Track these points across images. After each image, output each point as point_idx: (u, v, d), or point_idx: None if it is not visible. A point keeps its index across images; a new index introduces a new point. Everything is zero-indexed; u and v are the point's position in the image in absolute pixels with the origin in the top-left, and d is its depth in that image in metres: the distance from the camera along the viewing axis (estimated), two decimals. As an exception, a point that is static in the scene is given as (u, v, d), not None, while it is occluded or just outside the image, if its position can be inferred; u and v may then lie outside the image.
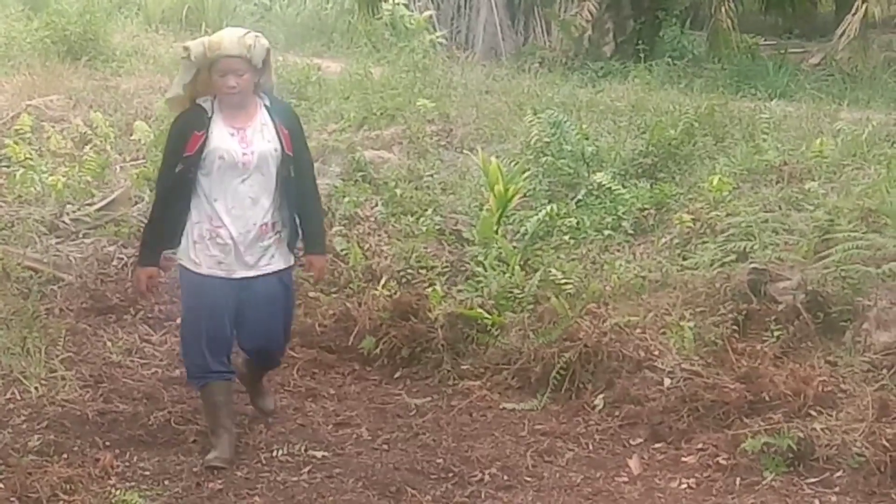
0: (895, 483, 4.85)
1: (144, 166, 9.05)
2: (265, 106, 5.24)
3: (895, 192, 7.29)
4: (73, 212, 8.16)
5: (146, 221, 5.52)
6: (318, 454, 5.33)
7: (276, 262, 5.28)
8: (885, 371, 5.63)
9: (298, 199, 5.31)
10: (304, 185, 5.35)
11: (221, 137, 5.10)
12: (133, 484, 4.94)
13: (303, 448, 5.37)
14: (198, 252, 5.20)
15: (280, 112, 5.29)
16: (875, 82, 13.98)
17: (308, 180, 5.42)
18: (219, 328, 5.25)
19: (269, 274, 5.26)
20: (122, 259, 7.52)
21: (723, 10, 15.69)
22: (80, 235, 7.84)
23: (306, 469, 5.21)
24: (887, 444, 4.94)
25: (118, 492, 4.78)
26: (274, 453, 5.33)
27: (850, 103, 12.17)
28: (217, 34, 5.21)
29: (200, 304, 5.26)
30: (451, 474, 5.18)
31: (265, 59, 5.17)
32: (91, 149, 9.55)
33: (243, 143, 5.11)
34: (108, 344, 6.40)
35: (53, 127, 9.93)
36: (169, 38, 16.07)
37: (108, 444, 5.32)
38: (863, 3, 14.63)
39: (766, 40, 17.54)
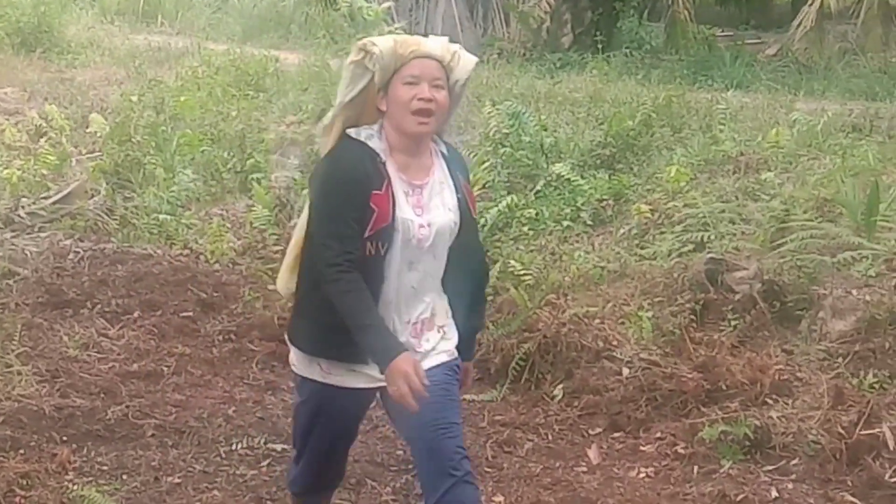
0: (850, 470, 4.90)
1: (101, 159, 8.99)
2: (442, 154, 3.74)
3: (850, 181, 7.36)
4: (29, 205, 8.09)
5: (356, 325, 3.56)
6: (278, 447, 5.31)
7: (439, 353, 3.79)
8: (840, 359, 5.69)
9: (465, 281, 3.84)
10: (475, 260, 3.91)
11: (399, 198, 3.59)
12: (90, 479, 4.89)
13: (262, 441, 5.35)
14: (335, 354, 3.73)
15: (459, 163, 3.80)
16: (830, 73, 14.12)
17: (480, 254, 4.02)
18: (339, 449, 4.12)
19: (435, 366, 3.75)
20: (79, 253, 7.47)
21: (680, 1, 15.79)
22: (36, 229, 7.78)
23: (265, 462, 5.19)
24: (842, 432, 5.00)
25: (75, 487, 4.74)
26: (233, 447, 5.30)
27: (805, 94, 12.29)
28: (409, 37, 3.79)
29: (323, 420, 3.93)
30: (410, 466, 5.15)
31: (466, 81, 3.73)
32: (46, 142, 9.47)
33: (418, 208, 3.62)
34: (65, 338, 6.34)
35: (8, 120, 9.85)
36: (125, 29, 15.97)
37: (65, 438, 5.26)
38: (817, -6, 14.75)
39: (722, 31, 17.69)
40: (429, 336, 3.75)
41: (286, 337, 3.94)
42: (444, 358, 3.78)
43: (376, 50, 3.55)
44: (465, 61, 3.68)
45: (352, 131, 3.65)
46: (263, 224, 7.86)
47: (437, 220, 3.64)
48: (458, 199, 3.68)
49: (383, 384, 3.55)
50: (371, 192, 3.51)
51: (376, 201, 3.52)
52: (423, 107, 3.54)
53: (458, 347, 3.82)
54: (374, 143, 3.60)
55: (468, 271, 3.83)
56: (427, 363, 3.68)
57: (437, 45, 3.66)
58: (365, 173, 3.53)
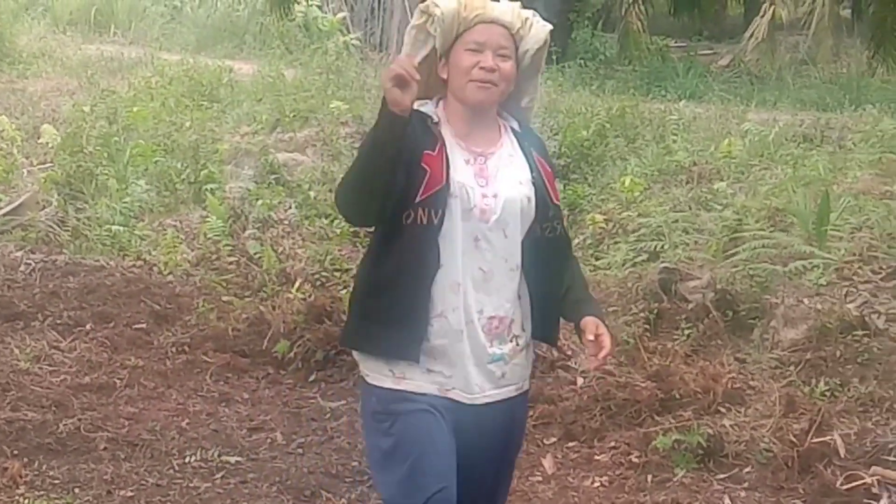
0: (802, 477, 4.94)
1: (53, 170, 8.91)
2: (512, 130, 3.31)
3: (801, 191, 7.44)
4: (-21, 217, 8.00)
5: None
6: (232, 459, 5.28)
7: (509, 379, 3.25)
8: (792, 367, 5.74)
9: (554, 282, 3.27)
10: (563, 258, 3.32)
11: (456, 163, 3.16)
12: (42, 492, 4.84)
13: (216, 453, 5.31)
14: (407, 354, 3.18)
15: (534, 141, 3.34)
16: (782, 84, 14.28)
17: (569, 250, 3.42)
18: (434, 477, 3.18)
19: (499, 401, 3.24)
20: (30, 265, 7.40)
21: (633, 12, 15.92)
22: (-14, 241, 7.69)
23: (220, 475, 5.15)
24: (794, 440, 5.04)
25: (27, 501, 4.69)
26: (187, 459, 5.26)
27: (757, 104, 12.41)
28: None
29: (408, 440, 3.19)
30: (366, 477, 5.14)
31: (539, 51, 3.26)
32: (-3, 152, 9.37)
33: (482, 178, 3.17)
34: (16, 351, 6.28)
35: (-42, 130, 9.73)
36: (77, 39, 15.85)
37: (16, 452, 5.20)
38: (770, 5, 14.92)
39: (675, 42, 17.83)
40: (501, 343, 3.19)
41: (344, 345, 3.52)
42: (510, 392, 3.23)
43: (438, 11, 3.17)
44: (538, 29, 3.25)
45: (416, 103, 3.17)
46: (218, 235, 7.82)
47: (506, 191, 3.16)
48: (533, 176, 3.21)
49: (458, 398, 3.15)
50: (422, 153, 3.10)
51: (428, 161, 3.10)
52: (485, 77, 3.14)
53: (572, 303, 3.27)
54: (427, 109, 3.22)
55: (556, 267, 3.26)
56: (489, 392, 3.18)
57: (506, 9, 3.24)
58: (415, 134, 3.10)
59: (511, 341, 3.22)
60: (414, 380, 3.17)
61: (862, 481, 4.74)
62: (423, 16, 3.20)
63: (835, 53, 16.27)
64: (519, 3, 3.28)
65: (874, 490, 4.72)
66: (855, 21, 15.61)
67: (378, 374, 3.21)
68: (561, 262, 3.29)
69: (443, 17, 3.15)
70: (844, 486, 4.76)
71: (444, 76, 3.23)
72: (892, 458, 4.91)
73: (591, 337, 3.14)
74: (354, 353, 3.34)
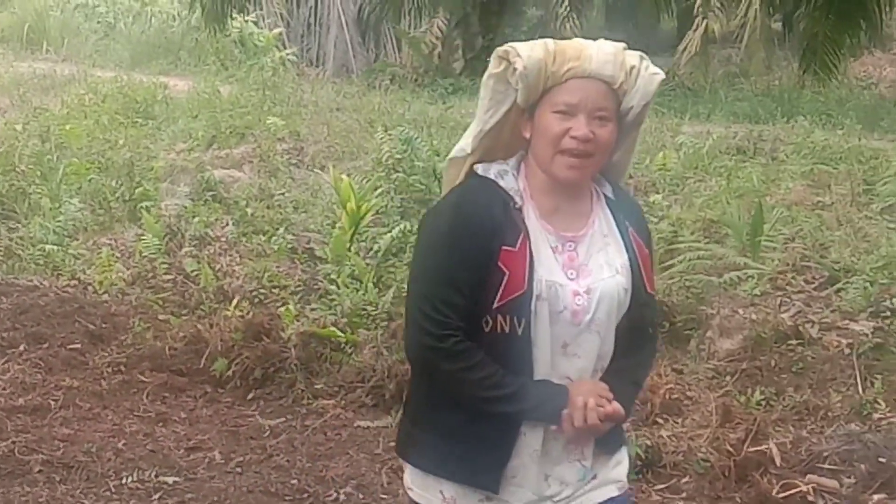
0: (739, 487, 4.98)
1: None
2: (605, 196, 2.72)
3: (735, 203, 7.54)
4: None
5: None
6: (170, 480, 5.22)
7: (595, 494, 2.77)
8: (728, 377, 5.80)
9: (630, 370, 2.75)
10: (645, 348, 2.81)
11: (542, 255, 2.59)
12: (-25, 518, 4.77)
13: (153, 474, 5.25)
14: (450, 473, 2.71)
15: (630, 213, 2.75)
16: (715, 96, 14.45)
17: (653, 343, 2.90)
18: None
19: None
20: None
21: (567, 26, 16.04)
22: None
23: (157, 495, 5.09)
24: (731, 449, 5.08)
25: (-41, 527, 4.62)
26: (123, 480, 5.19)
27: (691, 117, 12.56)
28: (572, 41, 2.71)
29: None
30: (305, 495, 5.13)
31: (646, 107, 2.66)
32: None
33: (572, 269, 2.61)
34: (-52, 374, 6.18)
35: None
36: (9, 56, 15.65)
37: (-52, 477, 5.13)
38: (703, 19, 15.12)
39: (610, 56, 17.95)
40: (593, 450, 2.72)
41: (397, 452, 2.96)
42: (612, 491, 2.79)
43: (519, 65, 2.56)
44: (645, 81, 2.62)
45: (480, 167, 2.66)
46: (153, 253, 7.75)
47: (600, 285, 2.60)
48: (629, 259, 2.65)
49: None
50: (500, 249, 2.54)
51: (507, 261, 2.53)
52: (577, 147, 2.55)
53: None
54: (508, 182, 2.62)
55: (632, 353, 2.73)
56: (590, 495, 2.75)
57: (607, 58, 2.60)
58: (493, 224, 2.56)
59: (602, 447, 2.74)
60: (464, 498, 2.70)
61: (798, 489, 4.79)
62: (502, 62, 2.62)
63: (767, 66, 16.53)
64: (624, 46, 2.67)
65: (810, 498, 4.77)
66: (786, 34, 15.86)
67: (423, 491, 2.76)
68: (638, 345, 2.74)
69: (527, 71, 2.56)
70: (780, 495, 4.81)
71: (527, 135, 2.64)
72: (827, 466, 4.98)
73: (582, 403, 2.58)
74: (408, 466, 2.82)
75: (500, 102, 2.64)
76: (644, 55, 2.65)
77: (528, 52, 2.57)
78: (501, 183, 2.61)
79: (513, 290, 2.53)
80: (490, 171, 2.64)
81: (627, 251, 2.65)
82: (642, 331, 2.72)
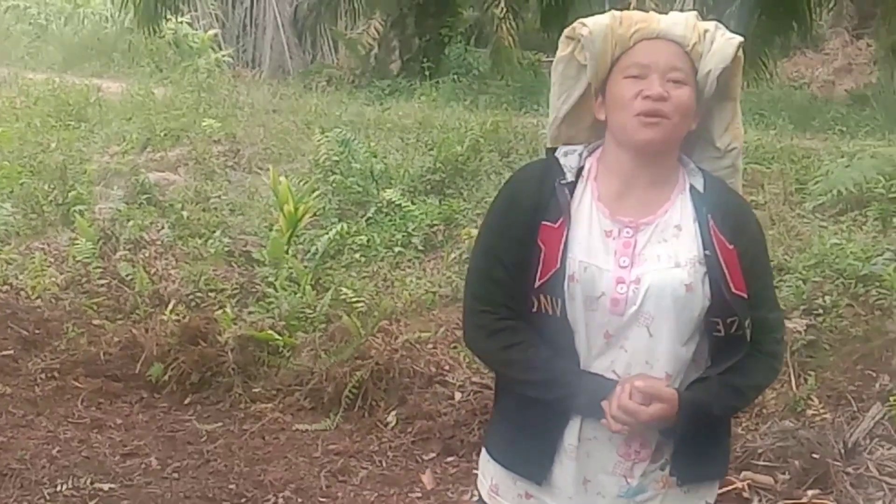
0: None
1: None
2: (692, 187, 2.51)
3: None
4: None
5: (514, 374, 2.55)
6: (105, 486, 5.16)
7: None
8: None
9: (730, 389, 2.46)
10: (741, 353, 2.45)
11: (585, 235, 2.46)
12: None
13: (88, 481, 5.19)
14: (500, 466, 2.62)
15: (719, 207, 2.48)
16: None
17: (764, 360, 2.52)
18: None
19: None
20: None
21: (504, 27, 16.09)
22: None
23: (93, 503, 5.03)
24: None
25: None
26: (58, 488, 5.13)
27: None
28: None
29: None
30: (244, 499, 5.10)
31: (728, 72, 2.48)
32: None
33: (624, 256, 2.44)
34: None
35: None
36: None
37: None
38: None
39: (547, 56, 18.03)
40: (645, 469, 2.48)
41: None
42: None
43: (585, 31, 2.46)
44: (722, 44, 2.47)
45: (561, 151, 2.56)
46: (87, 257, 7.64)
47: (653, 276, 2.40)
48: (706, 255, 2.41)
49: None
50: (540, 224, 2.44)
51: (545, 236, 2.42)
52: (651, 108, 2.39)
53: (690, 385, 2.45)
54: (570, 160, 2.51)
55: (723, 359, 2.45)
56: None
57: (677, 20, 2.48)
58: (538, 198, 2.46)
59: (662, 470, 2.49)
60: (507, 502, 2.61)
61: (733, 486, 4.84)
62: (570, 43, 2.53)
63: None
64: (695, 13, 2.52)
65: (745, 494, 4.83)
66: (719, 35, 16.02)
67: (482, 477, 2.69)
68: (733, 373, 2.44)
69: (592, 37, 2.45)
70: (717, 492, 4.85)
71: (602, 117, 2.51)
72: (761, 463, 5.04)
73: (628, 395, 2.37)
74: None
75: (572, 87, 2.56)
76: (720, 23, 2.52)
77: (593, 20, 2.48)
78: (563, 160, 2.52)
79: (549, 268, 2.40)
80: (561, 150, 2.56)
81: (704, 246, 2.42)
82: (737, 336, 2.42)
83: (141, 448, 5.65)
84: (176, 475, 5.36)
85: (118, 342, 6.58)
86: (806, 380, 5.68)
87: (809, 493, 4.79)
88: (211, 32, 16.23)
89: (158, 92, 12.14)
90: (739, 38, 2.48)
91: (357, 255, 7.67)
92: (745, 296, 2.41)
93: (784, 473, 4.95)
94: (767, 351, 2.49)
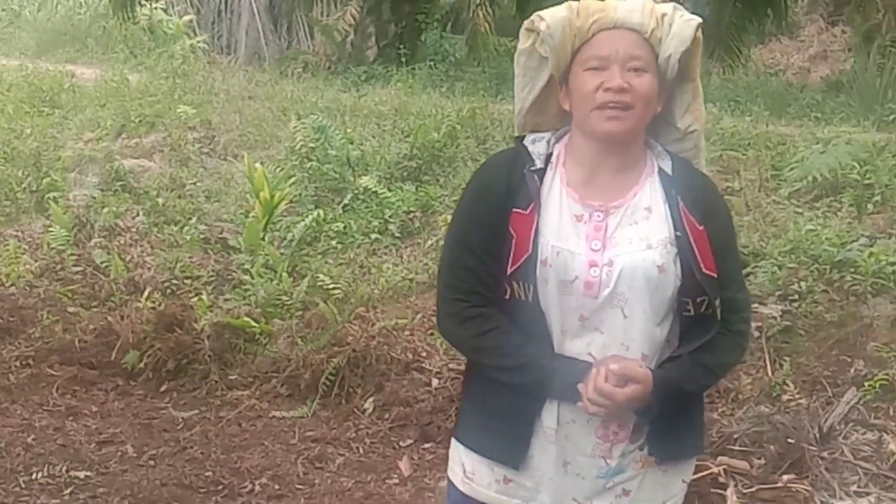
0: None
1: None
2: (660, 169, 2.55)
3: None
4: None
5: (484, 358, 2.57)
6: (81, 474, 5.14)
7: (637, 500, 2.59)
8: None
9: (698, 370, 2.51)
10: (712, 332, 2.49)
11: (555, 220, 2.49)
12: None
13: (64, 469, 5.17)
14: (474, 453, 2.66)
15: (688, 189, 2.52)
16: (627, 84, 14.56)
17: (732, 339, 2.55)
18: None
19: None
20: None
21: (480, 14, 16.06)
22: None
23: (68, 490, 5.01)
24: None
25: None
26: (33, 476, 5.11)
27: (603, 104, 12.63)
28: None
29: None
30: (220, 487, 5.09)
31: (688, 54, 2.50)
32: None
33: (595, 239, 2.47)
34: None
35: None
36: None
37: None
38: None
39: (523, 44, 18.05)
40: (624, 450, 2.52)
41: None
42: (658, 497, 2.62)
43: (543, 24, 2.49)
44: (680, 26, 2.47)
45: (529, 138, 2.59)
46: (62, 245, 7.60)
47: (625, 258, 2.43)
48: (677, 236, 2.45)
49: None
50: (511, 211, 2.46)
51: (516, 223, 2.44)
52: (613, 99, 2.42)
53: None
54: (538, 148, 2.54)
55: (694, 337, 2.48)
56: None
57: (634, 6, 2.48)
58: (507, 185, 2.48)
59: (641, 450, 2.53)
60: (484, 488, 2.63)
61: (709, 471, 4.86)
62: (530, 35, 2.56)
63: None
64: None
65: (721, 479, 4.85)
66: (695, 22, 16.05)
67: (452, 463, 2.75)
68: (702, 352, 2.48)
69: (550, 30, 2.48)
70: (693, 477, 4.87)
71: (566, 107, 2.55)
72: (737, 448, 5.06)
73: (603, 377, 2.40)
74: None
75: (535, 78, 2.60)
76: (677, 5, 2.54)
77: (550, 12, 2.51)
78: (531, 148, 2.55)
79: (521, 254, 2.42)
80: (529, 137, 2.59)
81: (675, 228, 2.46)
82: (708, 313, 2.45)
83: (117, 436, 5.64)
84: (152, 462, 5.35)
85: (93, 329, 6.55)
86: (781, 365, 5.71)
87: (785, 477, 4.82)
88: (186, 18, 16.11)
89: (133, 78, 12.07)
90: (698, 20, 2.49)
91: (333, 242, 7.65)
92: (715, 275, 2.45)
93: (760, 458, 4.97)
94: (736, 330, 2.53)
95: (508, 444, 2.54)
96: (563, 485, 2.54)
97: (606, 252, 2.43)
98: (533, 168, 2.50)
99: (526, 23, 2.56)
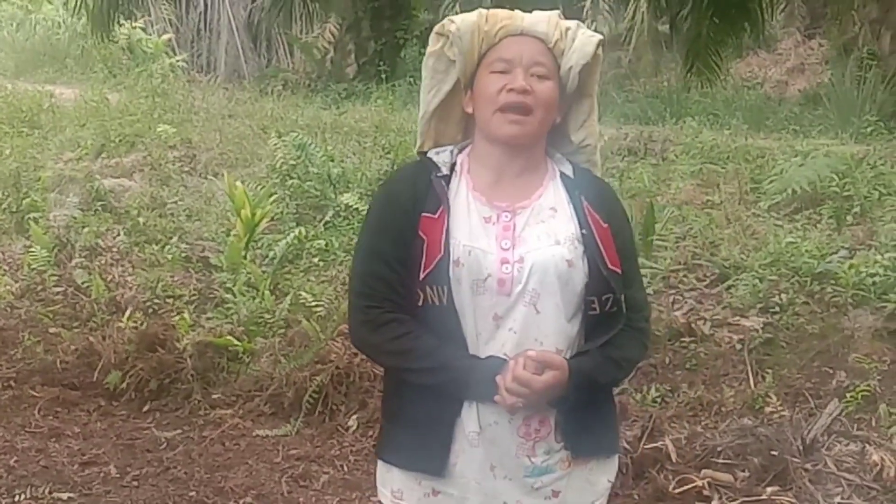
0: (636, 483, 5.02)
1: None
2: (562, 174, 2.63)
3: (627, 203, 7.62)
4: None
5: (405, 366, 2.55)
6: (64, 496, 5.11)
7: (565, 500, 2.60)
8: (624, 375, 5.87)
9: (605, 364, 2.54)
10: (617, 327, 2.54)
11: (465, 222, 2.53)
12: None
13: (47, 491, 5.14)
14: (398, 470, 2.64)
15: (589, 190, 2.61)
16: (606, 98, 14.61)
17: (636, 336, 2.61)
18: None
19: None
20: None
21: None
22: None
23: (51, 513, 5.00)
24: (628, 446, 5.11)
25: None
26: (16, 498, 5.07)
27: (583, 119, 12.67)
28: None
29: None
30: (204, 507, 5.08)
31: (587, 69, 2.60)
32: None
33: (505, 239, 2.51)
34: None
35: None
36: None
37: None
38: (592, 22, 15.30)
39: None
40: (548, 448, 2.54)
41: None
42: (586, 497, 2.64)
43: (453, 27, 2.58)
44: (582, 41, 2.56)
45: (433, 151, 2.65)
46: (42, 265, 7.58)
47: (535, 254, 2.48)
48: (583, 234, 2.52)
49: None
50: (420, 216, 2.50)
51: (426, 227, 2.48)
52: (515, 100, 2.48)
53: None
54: (442, 157, 2.61)
55: (602, 332, 2.53)
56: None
57: (540, 18, 2.58)
58: (414, 193, 2.53)
59: (558, 445, 2.54)
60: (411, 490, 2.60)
61: (693, 484, 4.87)
62: (439, 39, 2.63)
63: (655, 68, 16.79)
64: (558, 12, 2.62)
65: (705, 492, 4.85)
66: (673, 36, 16.12)
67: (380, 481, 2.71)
68: (615, 346, 2.53)
69: (460, 33, 2.56)
70: (677, 490, 4.89)
71: (470, 110, 2.61)
72: (721, 461, 5.07)
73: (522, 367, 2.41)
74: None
75: (442, 82, 2.65)
76: (581, 23, 2.64)
77: (461, 17, 2.60)
78: (435, 158, 2.61)
79: (433, 257, 2.45)
80: (432, 151, 2.65)
81: (581, 227, 2.52)
82: (613, 311, 2.51)
83: (100, 456, 5.61)
84: (135, 483, 5.32)
85: (75, 350, 6.52)
86: (764, 377, 5.73)
87: (769, 489, 4.83)
88: (165, 37, 16.13)
89: (112, 98, 12.06)
90: (599, 37, 2.60)
91: (315, 260, 7.64)
92: (620, 271, 2.53)
93: (743, 471, 4.98)
94: (638, 328, 2.60)
95: (431, 453, 2.53)
96: (492, 489, 2.54)
97: (516, 249, 2.49)
98: (439, 174, 2.56)
99: (437, 27, 2.65)
